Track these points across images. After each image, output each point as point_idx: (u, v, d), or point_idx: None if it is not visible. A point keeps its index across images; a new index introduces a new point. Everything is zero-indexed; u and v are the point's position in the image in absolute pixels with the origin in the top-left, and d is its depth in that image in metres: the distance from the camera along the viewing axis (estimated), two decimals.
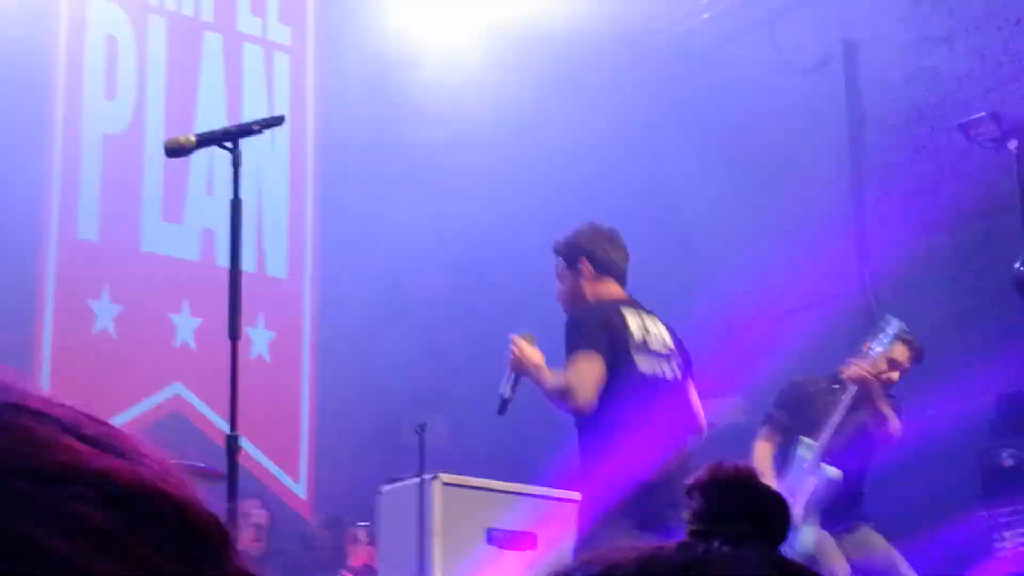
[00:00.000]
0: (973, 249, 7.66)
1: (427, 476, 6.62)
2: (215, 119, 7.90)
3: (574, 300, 5.26)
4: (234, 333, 4.35)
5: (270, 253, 8.75)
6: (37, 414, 0.61)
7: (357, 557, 7.76)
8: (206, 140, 4.46)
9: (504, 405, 5.28)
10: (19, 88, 7.85)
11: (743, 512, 0.86)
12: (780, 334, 8.46)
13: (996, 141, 7.51)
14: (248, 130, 4.50)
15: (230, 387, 4.35)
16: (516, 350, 5.09)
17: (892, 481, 6.77)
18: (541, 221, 9.11)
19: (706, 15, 9.09)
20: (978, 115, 7.49)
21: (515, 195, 9.00)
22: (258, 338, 8.53)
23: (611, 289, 5.28)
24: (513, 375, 5.21)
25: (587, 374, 4.94)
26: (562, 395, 4.97)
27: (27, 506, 0.57)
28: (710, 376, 8.91)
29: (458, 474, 6.86)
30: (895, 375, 6.37)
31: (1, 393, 0.62)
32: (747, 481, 0.87)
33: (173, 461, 0.65)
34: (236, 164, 4.46)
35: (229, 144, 4.45)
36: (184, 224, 8.37)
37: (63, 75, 8.17)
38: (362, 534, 7.80)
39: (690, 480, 0.89)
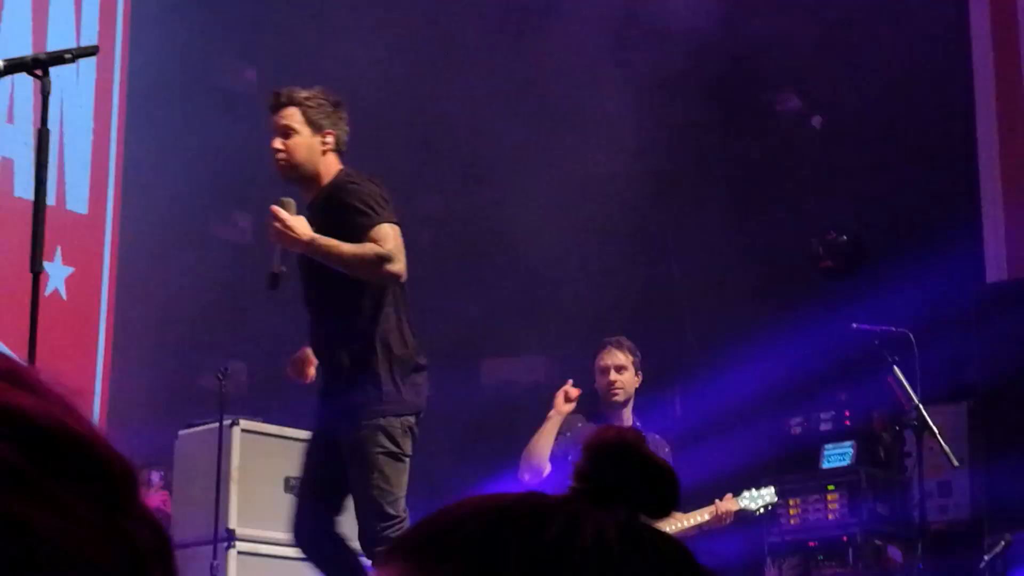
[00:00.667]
0: None
1: (227, 421, 6.56)
2: (18, 46, 7.64)
3: (325, 167, 5.19)
4: (36, 267, 4.22)
5: (71, 186, 8.48)
6: None
7: (150, 501, 7.64)
8: (15, 66, 4.31)
9: (275, 279, 5.16)
10: None
11: (620, 477, 0.85)
12: None
13: None
14: (60, 58, 4.36)
15: (29, 322, 4.23)
16: (278, 222, 5.01)
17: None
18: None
19: None
20: None
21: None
22: (56, 273, 8.28)
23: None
24: (280, 248, 5.13)
25: (401, 244, 5.00)
26: (379, 260, 4.95)
27: None
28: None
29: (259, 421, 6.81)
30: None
31: None
32: (629, 447, 0.87)
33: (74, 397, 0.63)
34: (45, 93, 4.32)
35: (39, 72, 4.30)
36: None
37: None
38: (156, 478, 7.68)
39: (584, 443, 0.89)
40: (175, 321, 8.70)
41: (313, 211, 5.14)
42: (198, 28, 8.94)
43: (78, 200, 8.50)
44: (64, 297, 8.30)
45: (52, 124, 8.07)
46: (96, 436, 0.60)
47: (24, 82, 7.16)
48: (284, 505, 5.77)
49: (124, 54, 8.80)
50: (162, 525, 0.64)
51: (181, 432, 6.98)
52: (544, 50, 9.07)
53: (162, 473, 7.58)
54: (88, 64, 8.35)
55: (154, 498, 7.55)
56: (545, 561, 0.81)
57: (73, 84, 8.37)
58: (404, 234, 5.09)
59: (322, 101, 5.21)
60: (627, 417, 6.46)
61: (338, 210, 5.07)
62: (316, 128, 5.15)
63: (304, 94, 5.20)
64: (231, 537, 6.36)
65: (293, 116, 5.14)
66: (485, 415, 8.99)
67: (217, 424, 6.52)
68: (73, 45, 5.00)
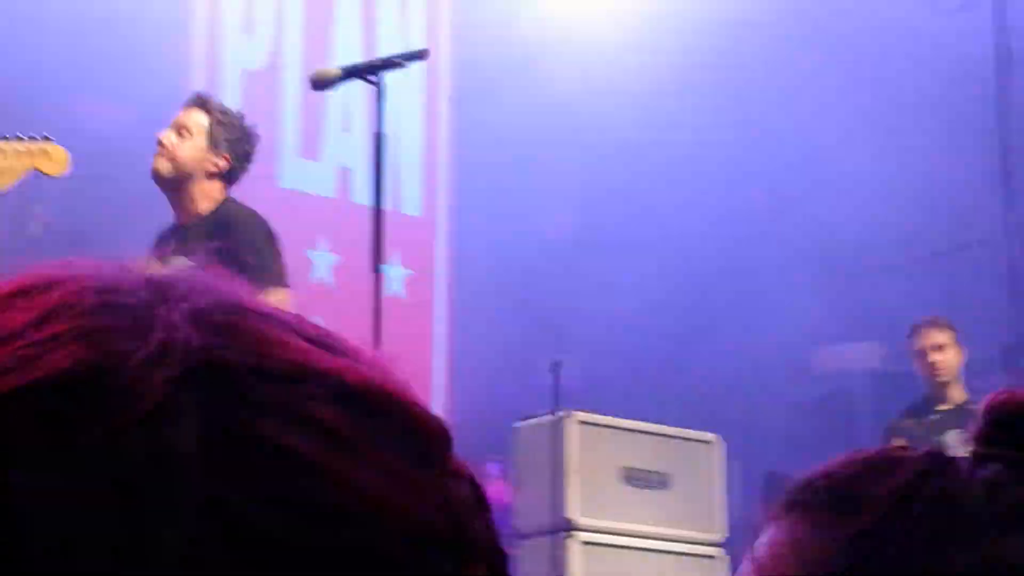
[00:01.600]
0: None
1: (562, 413, 6.63)
2: (352, 54, 7.92)
3: (203, 189, 4.66)
4: (377, 269, 4.37)
5: (406, 191, 8.76)
6: (266, 316, 0.60)
7: (489, 492, 7.80)
8: (351, 72, 4.47)
9: None
10: (160, 26, 7.94)
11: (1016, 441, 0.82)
12: (918, 278, 8.31)
13: None
14: (393, 63, 4.50)
15: (373, 321, 4.38)
16: None
17: None
18: (671, 178, 9.07)
19: None
20: None
21: (650, 150, 8.95)
22: (394, 275, 8.58)
23: None
24: None
25: None
26: None
27: (260, 405, 0.56)
28: (846, 322, 8.85)
29: (593, 412, 6.86)
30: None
31: (231, 297, 0.61)
32: None
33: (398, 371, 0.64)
34: (380, 98, 4.46)
35: (374, 77, 4.45)
36: (321, 161, 8.42)
37: (203, 11, 8.24)
38: (494, 469, 7.84)
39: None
40: (509, 317, 8.86)
41: (192, 236, 4.51)
42: None
43: (412, 204, 8.77)
44: (403, 298, 8.58)
45: (386, 129, 8.41)
46: (410, 396, 0.61)
47: (358, 92, 7.40)
48: (622, 495, 5.79)
49: (450, 57, 9.03)
50: (479, 480, 0.64)
51: (517, 424, 7.10)
52: None
53: (500, 465, 7.72)
54: (416, 68, 8.60)
55: (492, 489, 7.71)
56: (957, 511, 0.79)
57: (402, 90, 8.64)
58: None
59: (236, 126, 4.71)
60: (957, 396, 6.21)
61: (234, 240, 4.51)
62: (214, 144, 4.62)
63: (222, 108, 4.73)
64: (571, 527, 6.42)
65: (197, 120, 4.63)
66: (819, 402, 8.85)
67: (553, 416, 6.59)
68: (402, 51, 5.19)
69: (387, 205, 8.34)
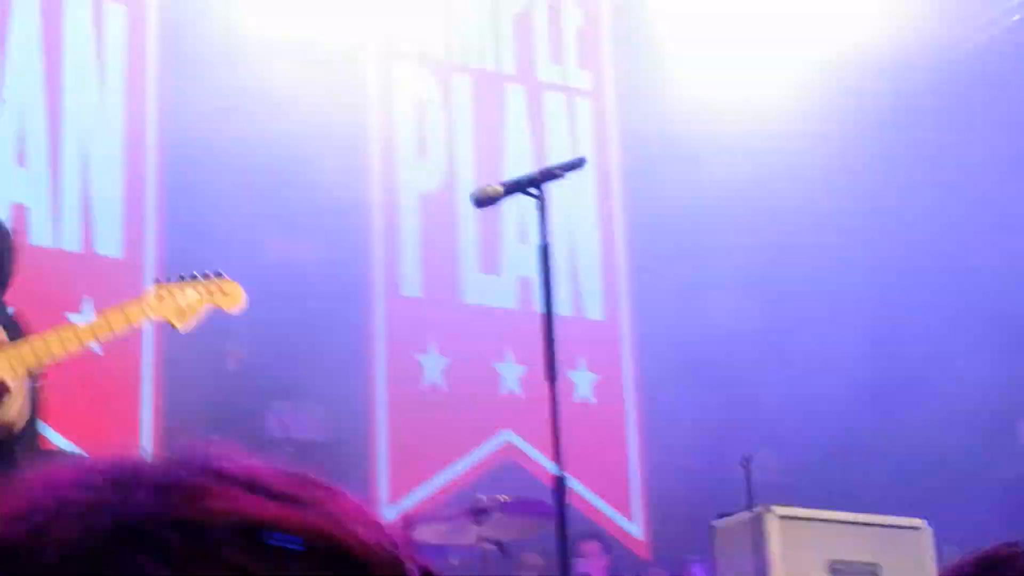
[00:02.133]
0: None
1: (760, 509, 6.51)
2: (523, 169, 8.04)
3: None
4: (551, 376, 4.40)
5: (586, 296, 8.82)
6: (218, 475, 0.67)
7: None
8: (512, 188, 4.54)
9: None
10: (337, 156, 8.19)
11: None
12: None
13: None
14: (552, 174, 4.56)
15: (552, 429, 4.40)
16: None
17: None
18: (853, 260, 8.94)
19: (1016, 17, 8.75)
20: None
21: (829, 232, 8.86)
22: (581, 381, 8.62)
23: None
24: None
25: None
26: None
27: (162, 549, 0.62)
28: None
29: (788, 505, 6.73)
30: None
31: (193, 459, 0.68)
32: None
33: (372, 516, 0.68)
34: (543, 210, 4.52)
35: (535, 190, 4.51)
36: (501, 274, 8.54)
37: (377, 139, 8.49)
38: (699, 571, 7.74)
39: None
40: (699, 413, 8.79)
41: None
42: None
43: (594, 308, 8.82)
44: (593, 402, 8.60)
45: (560, 238, 8.50)
46: (360, 540, 0.65)
47: (531, 204, 7.49)
48: None
49: (621, 166, 9.11)
50: None
51: (714, 522, 7.01)
52: None
53: (702, 564, 7.62)
54: (588, 176, 8.72)
55: None
56: None
57: (576, 198, 8.75)
58: None
59: None
60: None
61: None
62: None
63: None
64: None
65: None
66: None
67: (751, 512, 6.49)
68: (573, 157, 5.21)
69: (569, 312, 8.50)
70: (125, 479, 0.67)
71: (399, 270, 8.33)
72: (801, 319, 8.96)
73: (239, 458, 0.71)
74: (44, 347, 3.50)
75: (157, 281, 3.80)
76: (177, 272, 3.78)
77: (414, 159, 8.59)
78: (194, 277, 3.80)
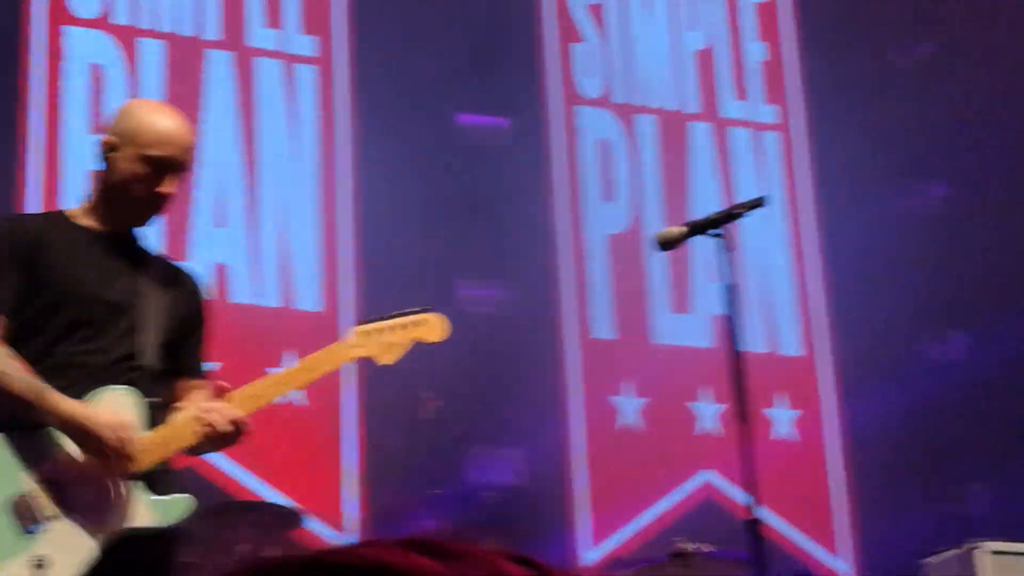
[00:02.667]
0: None
1: (971, 544, 6.34)
2: (710, 207, 8.00)
3: None
4: (742, 415, 4.36)
5: (783, 332, 8.72)
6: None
7: None
8: (694, 230, 4.53)
9: None
10: (525, 200, 8.28)
11: None
12: None
13: None
14: (734, 215, 4.55)
15: (746, 470, 4.36)
16: None
17: None
18: None
19: None
20: None
21: None
22: (780, 418, 8.50)
23: None
24: None
25: None
26: None
27: None
28: None
29: (1006, 540, 6.53)
30: None
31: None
32: None
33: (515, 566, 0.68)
34: (725, 249, 4.50)
35: (718, 231, 4.50)
36: (693, 313, 8.49)
37: (565, 182, 8.55)
38: None
39: None
40: (906, 451, 8.58)
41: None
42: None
43: (790, 344, 8.71)
44: (795, 439, 8.48)
45: (755, 272, 8.41)
46: None
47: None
48: None
49: (813, 199, 9.00)
50: None
51: (927, 560, 6.84)
52: None
53: None
54: (776, 210, 8.63)
55: None
56: None
57: (767, 232, 8.67)
58: None
59: None
60: None
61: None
62: None
63: None
64: None
65: None
66: None
67: (961, 549, 6.32)
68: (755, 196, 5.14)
69: (765, 348, 8.40)
70: None
71: (590, 312, 8.35)
72: (1012, 348, 8.70)
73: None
74: (258, 392, 3.65)
75: (360, 321, 3.92)
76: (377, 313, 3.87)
77: (600, 202, 8.62)
78: (396, 314, 3.91)
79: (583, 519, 7.91)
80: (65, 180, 7.28)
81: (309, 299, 7.69)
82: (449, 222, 8.03)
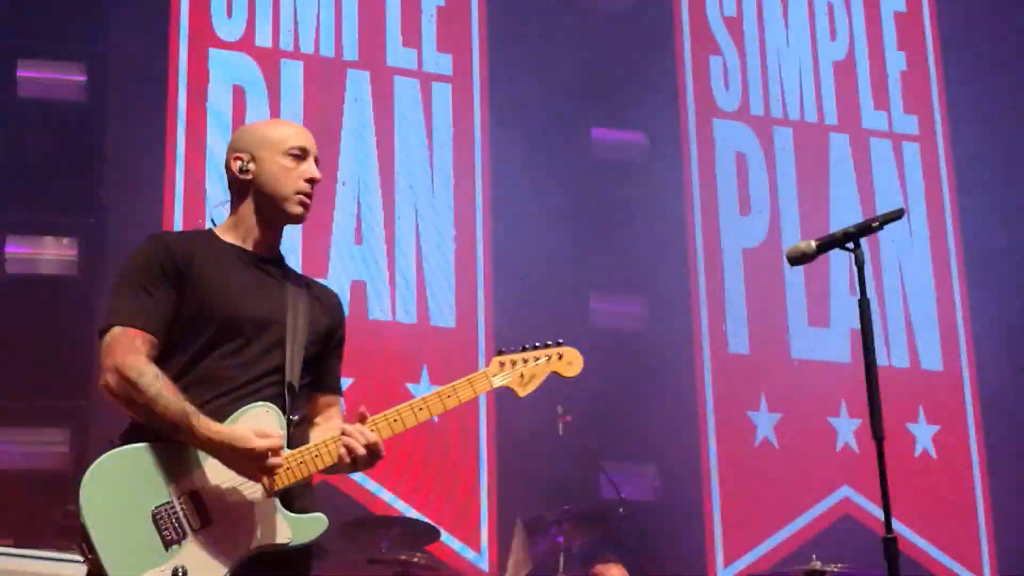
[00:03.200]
0: None
1: None
2: (849, 219, 7.91)
3: None
4: (877, 433, 4.29)
5: (923, 346, 8.57)
6: None
7: None
8: (827, 245, 4.45)
9: None
10: (660, 214, 8.26)
11: None
12: None
13: None
14: (868, 228, 4.47)
15: (884, 486, 4.30)
16: None
17: None
18: None
19: None
20: None
21: None
22: (921, 433, 8.36)
23: None
24: None
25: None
26: None
27: None
28: None
29: None
30: None
31: None
32: None
33: None
34: (859, 264, 4.42)
35: (850, 245, 4.43)
36: (831, 327, 8.39)
37: (697, 196, 8.51)
38: None
39: None
40: None
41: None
42: None
43: (931, 359, 8.56)
44: (933, 456, 8.33)
45: (892, 285, 8.28)
46: None
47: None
48: None
49: (953, 207, 8.84)
50: None
51: None
52: None
53: None
54: (918, 223, 8.50)
55: None
56: None
57: (907, 245, 8.54)
58: None
59: None
60: None
61: None
62: None
63: None
64: None
65: None
66: None
67: None
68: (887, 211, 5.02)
69: (905, 363, 8.27)
70: None
71: (725, 327, 8.30)
72: None
73: None
74: (397, 417, 3.71)
75: (499, 352, 3.96)
76: (519, 343, 3.92)
77: (736, 216, 8.56)
78: (534, 347, 3.96)
79: (718, 535, 7.86)
80: (208, 196, 7.46)
81: (444, 315, 7.76)
82: (584, 237, 8.04)
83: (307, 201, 3.83)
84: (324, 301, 3.93)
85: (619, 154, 8.53)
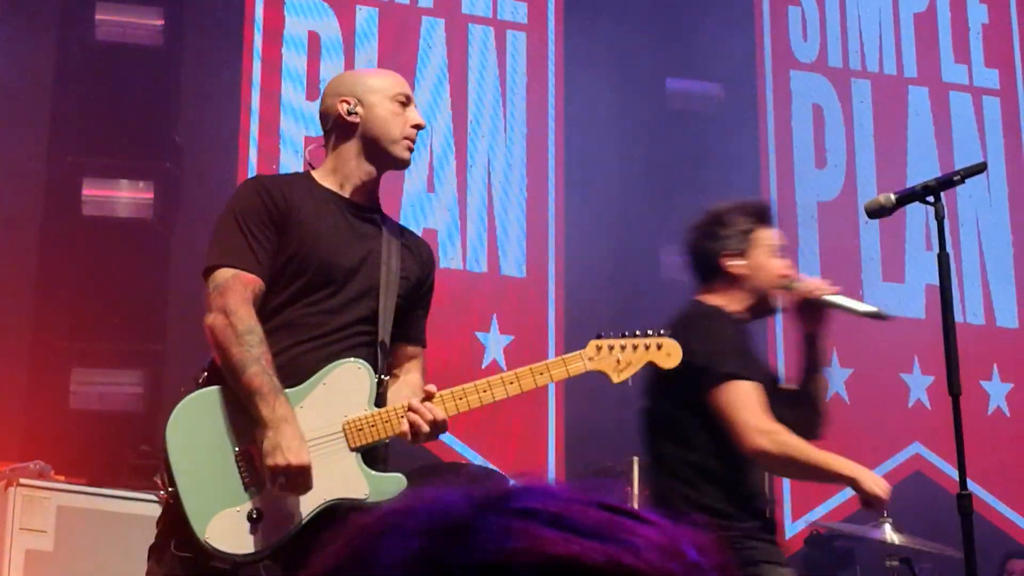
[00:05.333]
0: None
1: None
2: (926, 174, 7.81)
3: None
4: (954, 389, 4.25)
5: (999, 303, 8.47)
6: (522, 512, 0.68)
7: None
8: (906, 198, 4.40)
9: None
10: (733, 166, 8.19)
11: None
12: None
13: None
14: (948, 181, 4.41)
15: (957, 443, 4.26)
16: None
17: None
18: None
19: None
20: None
21: None
22: (995, 391, 8.27)
23: None
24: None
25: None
26: None
27: None
28: None
29: None
30: None
31: (497, 497, 0.70)
32: None
33: (682, 545, 0.68)
34: (940, 218, 4.36)
35: (931, 199, 4.38)
36: (906, 283, 8.31)
37: (773, 148, 8.44)
38: None
39: None
40: None
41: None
42: None
43: (1007, 315, 8.46)
44: (1007, 414, 8.25)
45: (969, 243, 8.19)
46: (668, 571, 0.65)
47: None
48: None
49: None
50: None
51: None
52: None
53: None
54: (997, 179, 8.38)
55: None
56: None
57: (986, 202, 8.42)
58: None
59: None
60: None
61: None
62: None
63: None
64: None
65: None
66: None
67: None
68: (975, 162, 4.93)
69: (980, 321, 8.18)
70: (434, 526, 0.70)
71: None
72: None
73: (545, 492, 0.73)
74: (489, 393, 3.71)
75: (599, 335, 3.94)
76: (619, 329, 3.89)
77: (812, 169, 8.48)
78: (635, 334, 3.92)
79: (787, 489, 7.83)
80: (283, 140, 7.49)
81: (515, 264, 7.76)
82: (657, 189, 8.00)
83: (412, 146, 3.87)
84: (416, 251, 3.95)
85: (694, 105, 8.46)
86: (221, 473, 3.53)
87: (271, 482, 3.48)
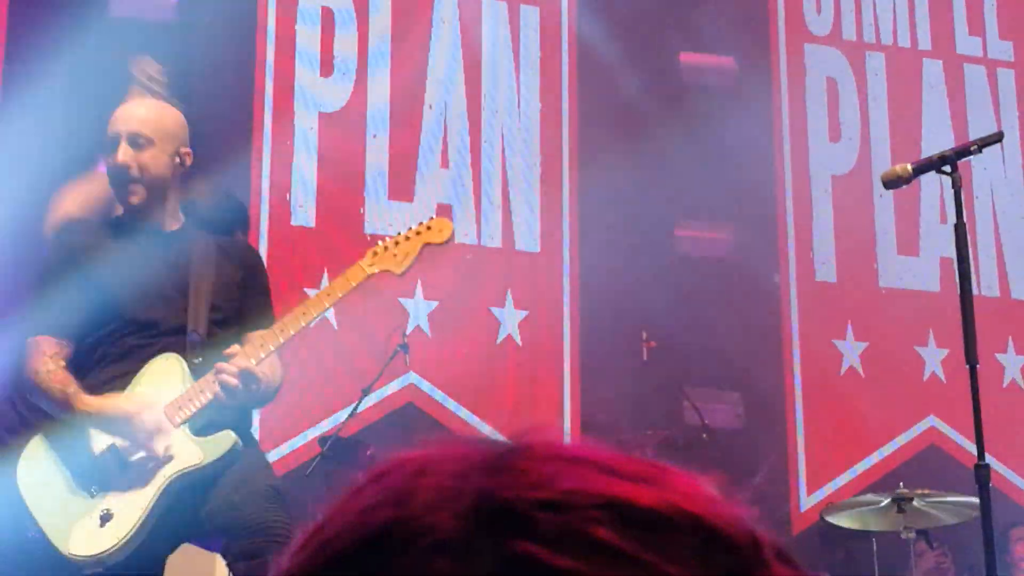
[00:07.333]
0: None
1: None
2: (941, 146, 7.77)
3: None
4: (971, 359, 4.25)
5: (1014, 274, 8.45)
6: (568, 459, 0.68)
7: None
8: (923, 168, 4.42)
9: None
10: (747, 140, 8.16)
11: None
12: None
13: None
14: (966, 151, 4.41)
15: (973, 416, 4.26)
16: None
17: None
18: None
19: None
20: None
21: None
22: (1010, 364, 8.25)
23: None
24: None
25: None
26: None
27: (534, 531, 0.63)
28: None
29: None
30: None
31: (541, 446, 0.69)
32: None
33: (711, 489, 0.68)
34: (956, 187, 4.37)
35: (947, 168, 4.37)
36: (921, 256, 8.29)
37: (786, 121, 8.40)
38: None
39: None
40: None
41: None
42: None
43: (1020, 287, 8.44)
44: (1022, 386, 8.25)
45: (985, 215, 8.18)
46: (714, 513, 0.65)
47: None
48: None
49: None
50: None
51: None
52: None
53: None
54: (1013, 150, 8.35)
55: None
56: None
57: (999, 174, 8.40)
58: None
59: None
60: None
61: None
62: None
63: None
64: None
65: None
66: None
67: None
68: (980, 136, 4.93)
69: (995, 293, 8.16)
70: (483, 464, 0.70)
71: (812, 255, 8.22)
72: None
73: (587, 445, 0.72)
74: (287, 323, 3.94)
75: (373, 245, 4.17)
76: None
77: (827, 140, 8.45)
78: (410, 228, 4.16)
79: (802, 463, 7.83)
80: (296, 116, 7.48)
81: (529, 239, 7.75)
82: (670, 163, 7.98)
83: (118, 190, 4.13)
84: (229, 256, 4.18)
85: (708, 79, 8.42)
86: (67, 496, 3.79)
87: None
